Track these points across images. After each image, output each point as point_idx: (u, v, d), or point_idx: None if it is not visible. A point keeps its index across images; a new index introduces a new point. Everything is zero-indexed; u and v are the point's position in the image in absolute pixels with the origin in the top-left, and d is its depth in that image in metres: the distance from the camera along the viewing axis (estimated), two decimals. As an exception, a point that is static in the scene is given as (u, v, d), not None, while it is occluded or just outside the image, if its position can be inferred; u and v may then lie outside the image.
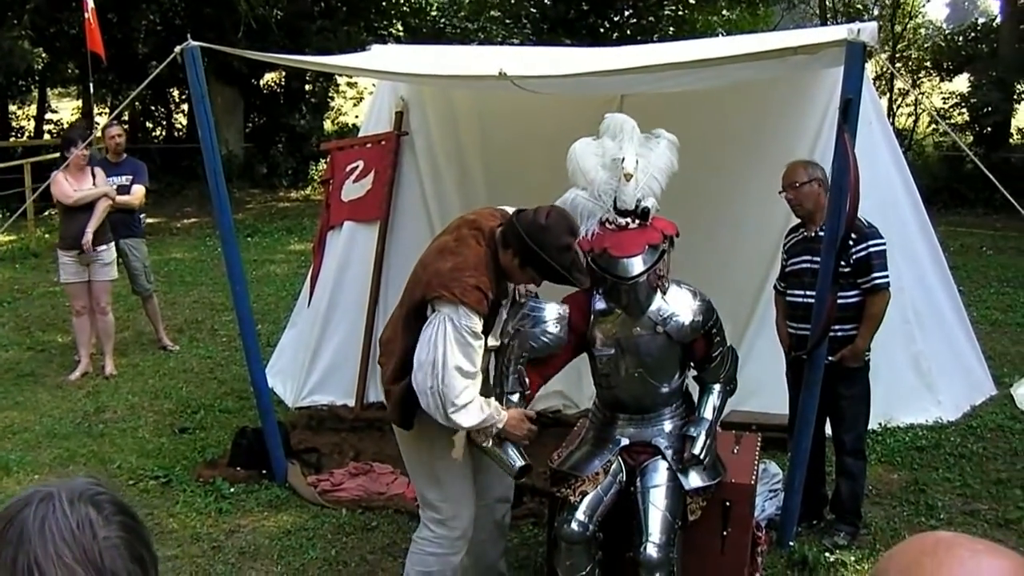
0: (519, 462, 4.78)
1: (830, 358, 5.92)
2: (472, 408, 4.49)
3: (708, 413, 5.04)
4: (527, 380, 4.97)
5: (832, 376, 5.95)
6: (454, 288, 4.43)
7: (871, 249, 5.99)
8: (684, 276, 5.03)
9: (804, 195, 6.12)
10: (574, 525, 4.82)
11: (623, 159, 4.73)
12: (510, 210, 4.83)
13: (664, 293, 4.88)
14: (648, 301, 4.85)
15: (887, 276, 6.07)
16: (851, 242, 5.89)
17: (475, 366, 4.51)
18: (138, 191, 10.14)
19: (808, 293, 6.03)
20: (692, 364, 5.15)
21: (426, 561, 4.98)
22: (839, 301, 5.86)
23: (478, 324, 4.47)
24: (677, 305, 4.88)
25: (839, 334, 5.97)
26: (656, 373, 4.97)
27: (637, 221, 4.75)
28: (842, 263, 5.85)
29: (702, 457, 4.89)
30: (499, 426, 4.66)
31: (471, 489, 5.01)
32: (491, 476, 5.20)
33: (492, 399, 4.69)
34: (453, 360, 4.39)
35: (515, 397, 4.93)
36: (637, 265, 4.71)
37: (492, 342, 4.78)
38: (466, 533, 4.98)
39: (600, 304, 4.94)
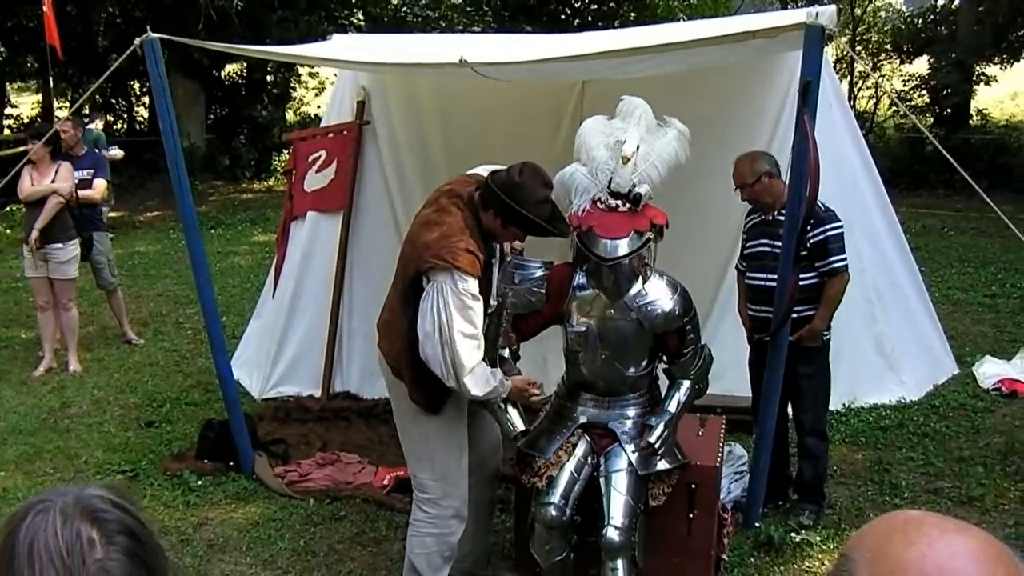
0: (520, 426, 4.97)
1: (788, 338, 5.97)
2: (480, 374, 4.62)
3: (672, 407, 5.06)
4: (512, 336, 5.09)
5: (791, 356, 5.98)
6: (445, 255, 4.54)
7: (828, 233, 6.03)
8: (646, 260, 5.05)
9: (757, 192, 6.17)
10: (552, 510, 4.86)
11: (624, 141, 4.72)
12: (482, 171, 4.98)
13: (645, 281, 4.89)
14: (628, 286, 4.87)
15: (845, 259, 6.11)
16: (808, 226, 5.94)
17: (477, 327, 4.63)
18: (100, 185, 10.07)
19: (768, 276, 6.07)
20: (663, 357, 5.17)
21: (425, 543, 5.06)
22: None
23: (474, 286, 4.58)
24: (655, 294, 4.89)
25: (796, 316, 6.01)
26: (623, 357, 4.99)
27: (628, 205, 4.73)
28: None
29: (657, 447, 4.91)
30: (503, 396, 4.82)
31: (465, 469, 5.08)
32: (485, 449, 5.32)
33: (497, 370, 4.81)
34: (457, 326, 4.51)
35: (505, 352, 5.09)
36: (620, 248, 4.70)
37: (491, 302, 4.92)
38: (460, 512, 5.06)
39: (581, 281, 4.96)
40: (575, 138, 4.94)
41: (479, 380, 4.63)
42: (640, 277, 4.88)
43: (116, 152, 15.81)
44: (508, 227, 4.77)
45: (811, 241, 5.99)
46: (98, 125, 16.72)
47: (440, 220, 4.74)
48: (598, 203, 4.75)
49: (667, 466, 4.99)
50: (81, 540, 1.45)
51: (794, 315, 5.98)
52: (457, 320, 4.51)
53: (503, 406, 4.99)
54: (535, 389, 5.03)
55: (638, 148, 4.73)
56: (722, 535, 5.52)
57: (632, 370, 5.03)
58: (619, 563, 4.80)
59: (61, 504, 1.50)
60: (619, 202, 4.73)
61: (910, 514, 1.38)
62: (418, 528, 5.08)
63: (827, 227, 6.04)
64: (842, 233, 6.12)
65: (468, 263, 4.55)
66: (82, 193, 9.68)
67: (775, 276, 5.90)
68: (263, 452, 7.42)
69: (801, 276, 5.97)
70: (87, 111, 17.00)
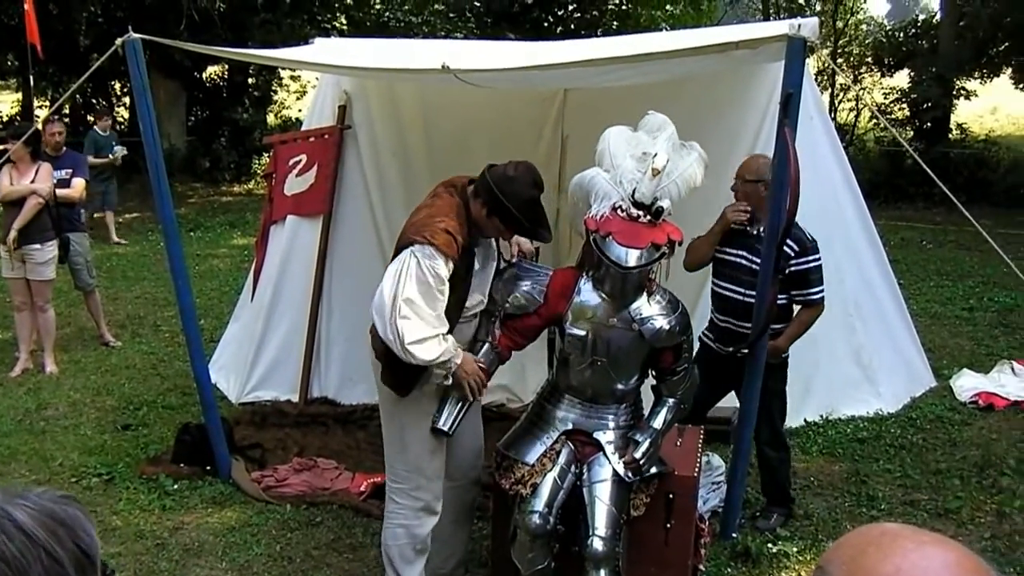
0: (445, 425, 4.91)
1: (744, 351, 5.98)
2: (430, 343, 4.64)
3: (658, 423, 5.07)
4: (497, 333, 5.08)
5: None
6: (424, 232, 4.64)
7: (811, 264, 6.05)
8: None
9: (748, 191, 6.15)
10: (536, 518, 4.86)
11: (655, 154, 4.70)
12: None
13: (650, 295, 4.91)
14: (633, 297, 4.88)
15: (823, 291, 6.15)
16: (792, 252, 5.96)
17: (433, 308, 4.65)
18: (78, 184, 10.03)
19: (740, 290, 6.09)
20: (654, 373, 5.17)
21: (396, 534, 5.14)
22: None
23: (442, 267, 4.63)
24: (658, 309, 4.91)
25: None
26: (618, 367, 4.99)
27: (648, 217, 4.72)
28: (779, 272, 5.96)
29: (641, 463, 4.92)
30: (456, 361, 4.79)
31: (439, 464, 5.12)
32: (466, 455, 5.34)
33: (451, 336, 4.80)
34: (408, 293, 4.57)
35: (484, 348, 5.06)
36: (636, 257, 4.69)
37: (475, 299, 4.99)
38: (431, 506, 5.10)
39: (586, 287, 4.95)
40: (597, 143, 4.91)
41: (428, 347, 4.64)
42: (645, 291, 4.89)
43: (119, 151, 15.82)
44: (492, 218, 4.83)
45: (792, 268, 6.01)
46: (103, 126, 16.77)
47: (431, 203, 4.89)
48: (619, 210, 4.73)
49: (654, 470, 5.01)
50: None
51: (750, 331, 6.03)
52: (411, 290, 4.58)
53: (453, 394, 4.95)
54: (481, 373, 4.96)
55: (668, 162, 4.72)
56: (699, 545, 5.53)
57: (623, 383, 5.04)
58: (603, 574, 4.80)
59: None
60: (640, 212, 4.71)
61: (886, 526, 1.39)
62: (390, 519, 5.17)
63: (811, 258, 6.05)
64: (821, 264, 6.15)
65: (444, 242, 4.62)
66: (60, 192, 9.64)
67: (750, 292, 5.93)
68: (240, 457, 7.40)
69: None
70: (66, 110, 16.92)
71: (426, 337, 4.62)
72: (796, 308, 6.24)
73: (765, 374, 6.13)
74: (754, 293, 5.92)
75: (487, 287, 5.09)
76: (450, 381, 4.87)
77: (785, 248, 5.86)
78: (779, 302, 6.08)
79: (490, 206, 4.78)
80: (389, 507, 5.17)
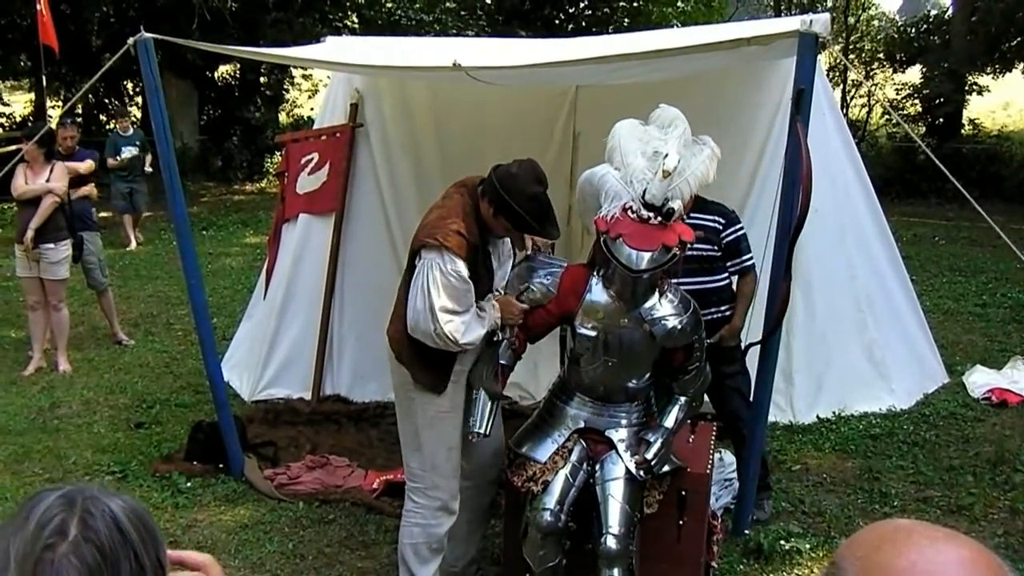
0: (479, 427, 4.95)
1: (708, 340, 5.98)
2: (473, 327, 4.79)
3: (669, 422, 5.05)
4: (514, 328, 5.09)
5: (712, 358, 6.00)
6: (436, 234, 4.69)
7: (738, 233, 6.17)
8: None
9: None
10: (548, 515, 4.85)
11: (666, 155, 4.60)
12: None
13: (662, 295, 4.87)
14: (645, 298, 4.84)
15: (753, 257, 6.22)
16: (720, 226, 6.09)
17: (462, 308, 4.75)
18: (88, 162, 10.15)
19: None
20: (665, 372, 5.15)
21: (412, 532, 5.15)
22: (710, 286, 6.09)
23: (463, 267, 4.70)
24: (670, 309, 4.87)
25: (715, 317, 6.11)
26: (629, 367, 4.97)
27: (659, 218, 4.63)
28: (714, 248, 6.07)
29: (653, 464, 4.90)
30: (496, 317, 4.93)
31: (455, 463, 5.13)
32: (486, 455, 5.33)
33: (480, 303, 4.91)
34: (439, 303, 4.64)
35: (504, 359, 5.08)
36: (646, 260, 4.62)
37: (494, 292, 5.04)
38: (447, 505, 5.12)
39: (597, 286, 4.92)
40: (608, 139, 4.84)
41: (474, 331, 4.79)
42: (657, 290, 4.86)
43: (128, 152, 15.81)
44: (498, 217, 4.85)
45: (725, 241, 6.13)
46: (123, 126, 16.83)
47: (443, 204, 4.94)
48: (629, 211, 4.65)
49: (666, 468, 4.99)
50: (62, 526, 1.52)
51: (713, 316, 6.07)
52: (441, 298, 4.64)
53: (479, 396, 5.01)
54: (519, 306, 5.04)
55: (679, 163, 4.63)
56: (711, 542, 5.52)
57: (634, 381, 5.02)
58: (616, 572, 4.78)
59: (86, 493, 1.57)
60: (651, 214, 4.63)
61: (899, 522, 1.39)
62: (407, 518, 5.18)
63: (737, 227, 6.18)
64: (745, 232, 6.25)
65: (456, 244, 4.67)
66: (68, 164, 9.72)
67: (687, 279, 5.93)
68: (252, 454, 7.41)
69: (714, 278, 6.17)
70: (78, 110, 16.96)
71: (469, 324, 4.75)
72: (734, 280, 6.33)
73: (728, 359, 6.21)
74: (693, 279, 5.91)
75: (503, 285, 5.11)
76: (499, 337, 5.01)
77: (712, 224, 6.01)
78: (724, 283, 6.25)
79: (496, 205, 4.79)
80: (407, 506, 5.18)
